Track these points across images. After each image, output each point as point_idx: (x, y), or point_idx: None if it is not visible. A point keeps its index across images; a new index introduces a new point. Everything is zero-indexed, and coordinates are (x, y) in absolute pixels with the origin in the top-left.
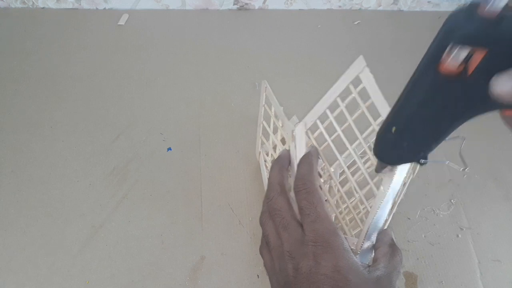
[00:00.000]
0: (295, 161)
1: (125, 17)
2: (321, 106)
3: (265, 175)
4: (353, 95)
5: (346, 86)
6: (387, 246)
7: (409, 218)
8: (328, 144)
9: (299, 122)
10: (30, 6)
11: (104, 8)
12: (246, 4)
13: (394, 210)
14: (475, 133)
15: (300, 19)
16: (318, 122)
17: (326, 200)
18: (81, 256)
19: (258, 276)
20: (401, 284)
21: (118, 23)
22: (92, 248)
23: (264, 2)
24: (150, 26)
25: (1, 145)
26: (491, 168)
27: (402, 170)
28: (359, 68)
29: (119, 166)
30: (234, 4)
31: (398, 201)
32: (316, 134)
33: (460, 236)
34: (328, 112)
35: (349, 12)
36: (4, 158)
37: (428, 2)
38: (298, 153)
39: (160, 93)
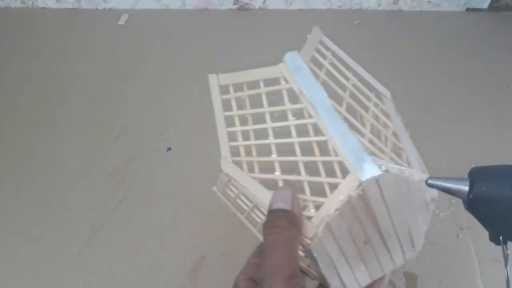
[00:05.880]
0: None
1: (125, 17)
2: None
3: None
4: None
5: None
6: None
7: None
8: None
9: None
10: (30, 6)
11: (104, 8)
12: (246, 4)
13: None
14: (476, 133)
15: (300, 19)
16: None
17: None
18: (81, 256)
19: None
20: (401, 284)
21: (118, 23)
22: (92, 248)
23: (264, 2)
24: (150, 26)
25: (1, 145)
26: None
27: None
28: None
29: (119, 166)
30: (234, 4)
31: None
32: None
33: (460, 236)
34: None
35: (349, 12)
36: (4, 158)
37: (428, 2)
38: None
39: (160, 93)
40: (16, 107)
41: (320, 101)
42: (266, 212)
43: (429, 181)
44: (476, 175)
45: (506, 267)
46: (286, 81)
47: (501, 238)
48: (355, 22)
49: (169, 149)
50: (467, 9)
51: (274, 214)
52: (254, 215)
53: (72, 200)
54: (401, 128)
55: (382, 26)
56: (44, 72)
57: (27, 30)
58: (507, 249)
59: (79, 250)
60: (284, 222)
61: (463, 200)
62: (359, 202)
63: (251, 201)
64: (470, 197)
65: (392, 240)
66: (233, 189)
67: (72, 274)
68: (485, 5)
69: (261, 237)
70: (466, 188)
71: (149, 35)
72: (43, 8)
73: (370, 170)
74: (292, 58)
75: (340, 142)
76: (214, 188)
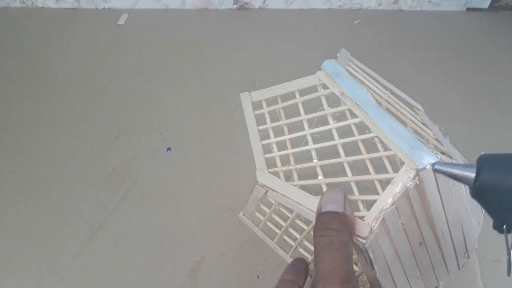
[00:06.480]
0: None
1: (124, 16)
2: None
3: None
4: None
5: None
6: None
7: None
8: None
9: None
10: (30, 6)
11: (104, 8)
12: (246, 3)
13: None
14: (476, 133)
15: (300, 18)
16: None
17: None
18: (80, 257)
19: (258, 276)
20: None
21: (118, 23)
22: (92, 248)
23: (264, 2)
24: (149, 25)
25: (1, 145)
26: None
27: None
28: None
29: (118, 166)
30: (234, 4)
31: None
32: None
33: None
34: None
35: (349, 12)
36: (3, 158)
37: (429, 1)
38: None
39: (160, 93)
40: (15, 107)
41: (365, 100)
42: (309, 221)
43: (436, 167)
44: (483, 163)
45: (509, 253)
46: (325, 87)
47: (504, 227)
48: (355, 22)
49: (169, 149)
50: (468, 9)
51: (325, 216)
52: (286, 237)
53: (71, 200)
54: (440, 135)
55: (382, 26)
56: (44, 72)
57: (26, 30)
58: None
59: (78, 250)
60: (337, 224)
61: (469, 187)
62: (415, 194)
63: (290, 213)
64: (477, 184)
65: (447, 243)
66: (265, 208)
67: (72, 274)
68: (486, 5)
69: (289, 260)
70: (473, 175)
71: (149, 35)
72: (42, 7)
73: (427, 157)
74: (330, 65)
75: (392, 135)
76: (241, 214)
